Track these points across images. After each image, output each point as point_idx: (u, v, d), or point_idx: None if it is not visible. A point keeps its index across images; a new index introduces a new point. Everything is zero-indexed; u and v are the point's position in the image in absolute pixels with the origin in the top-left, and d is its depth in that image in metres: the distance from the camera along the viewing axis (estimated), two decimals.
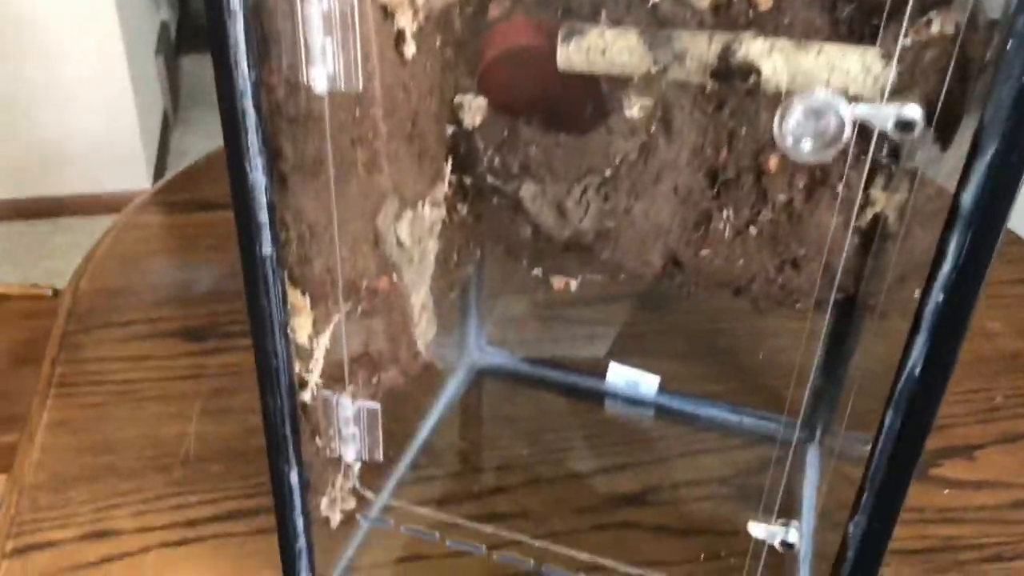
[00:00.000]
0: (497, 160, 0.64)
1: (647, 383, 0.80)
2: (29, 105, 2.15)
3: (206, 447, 0.74)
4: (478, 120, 0.62)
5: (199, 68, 2.78)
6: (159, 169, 2.39)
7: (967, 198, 0.34)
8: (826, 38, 0.64)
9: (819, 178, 0.65)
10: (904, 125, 0.33)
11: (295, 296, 0.48)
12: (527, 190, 0.64)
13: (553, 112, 0.65)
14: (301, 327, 0.49)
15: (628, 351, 0.85)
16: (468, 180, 0.63)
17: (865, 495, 0.41)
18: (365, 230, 0.49)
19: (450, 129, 0.62)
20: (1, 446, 1.08)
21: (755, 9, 0.65)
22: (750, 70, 0.48)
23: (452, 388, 0.81)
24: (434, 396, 0.79)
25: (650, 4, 0.65)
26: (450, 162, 0.60)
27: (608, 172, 0.64)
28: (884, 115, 0.34)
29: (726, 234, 0.68)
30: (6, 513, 0.67)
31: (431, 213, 0.53)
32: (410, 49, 0.48)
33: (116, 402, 0.78)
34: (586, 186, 0.64)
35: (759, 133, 0.65)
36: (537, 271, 0.74)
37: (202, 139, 2.51)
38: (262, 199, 0.44)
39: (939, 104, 0.43)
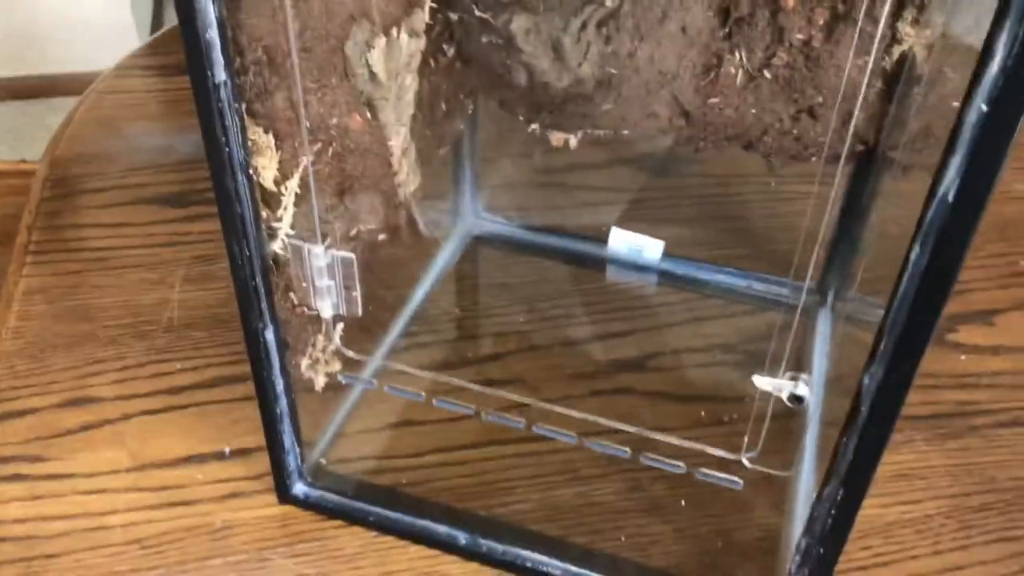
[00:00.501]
0: None
1: (651, 248, 0.75)
2: None
3: (188, 314, 0.70)
4: None
5: None
6: None
7: None
8: None
9: (841, 13, 0.58)
10: None
11: (256, 133, 0.43)
12: (519, 24, 0.58)
13: None
14: (265, 168, 0.44)
15: (631, 216, 0.81)
16: (454, 15, 0.57)
17: (883, 341, 0.37)
18: (332, 57, 0.44)
19: None
20: None
21: None
22: None
23: (445, 255, 0.76)
24: (426, 262, 0.75)
25: None
26: None
27: (609, 3, 0.58)
28: None
29: (738, 80, 0.62)
30: None
31: (409, 43, 0.47)
32: None
33: (95, 269, 0.74)
34: (585, 21, 0.58)
35: None
36: (534, 127, 0.69)
37: None
38: (210, 15, 0.39)
39: None
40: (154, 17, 2.39)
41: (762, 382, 0.43)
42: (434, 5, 0.52)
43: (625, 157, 0.86)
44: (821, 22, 0.59)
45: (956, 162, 0.32)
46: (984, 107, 0.31)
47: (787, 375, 0.44)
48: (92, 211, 0.80)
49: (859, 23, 0.58)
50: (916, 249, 0.34)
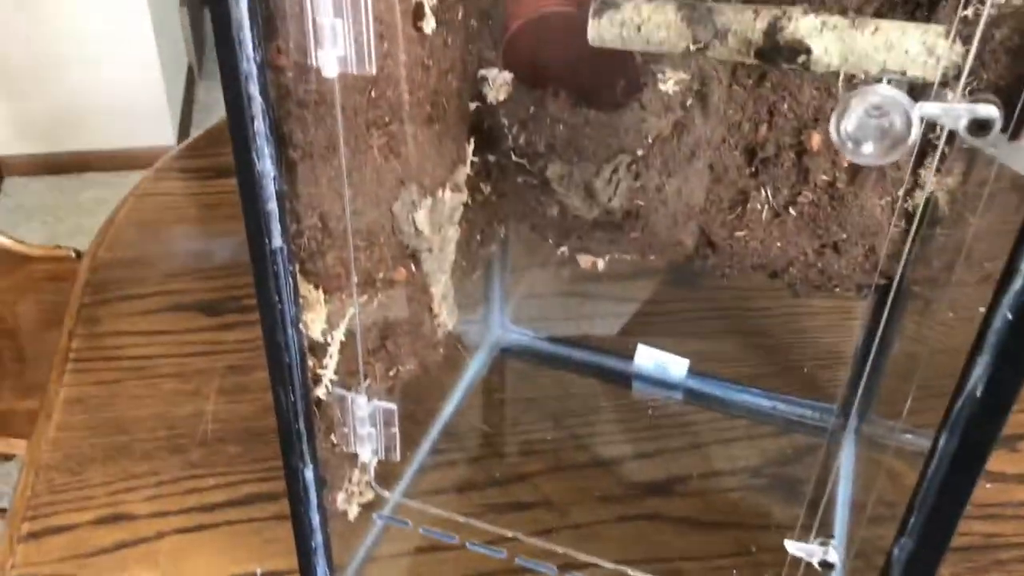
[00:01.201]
0: (523, 138, 0.60)
1: (676, 366, 0.77)
2: (54, 61, 2.12)
3: (222, 427, 0.72)
4: (503, 95, 0.58)
5: None
6: (184, 123, 2.36)
7: None
8: (880, 5, 0.59)
9: None
10: (979, 126, 0.29)
11: (308, 290, 0.45)
12: (554, 170, 0.60)
13: (582, 85, 0.61)
14: (314, 321, 0.46)
15: (657, 331, 0.82)
16: (492, 159, 0.59)
17: (914, 517, 0.38)
18: (381, 219, 0.46)
19: (473, 105, 0.58)
20: (24, 412, 1.07)
21: None
22: (799, 49, 0.44)
23: (474, 368, 0.78)
24: (455, 376, 0.76)
25: None
26: (473, 141, 0.56)
27: (640, 151, 0.60)
28: (956, 114, 0.30)
29: (763, 215, 0.64)
30: (22, 495, 0.66)
31: (452, 199, 0.50)
32: (429, 23, 0.44)
33: (132, 378, 0.76)
34: (616, 166, 0.60)
35: (802, 108, 0.61)
36: (563, 250, 0.71)
37: None
38: (271, 189, 0.41)
39: (1011, 91, 0.39)
40: (186, 95, 2.46)
41: (793, 548, 0.44)
42: (475, 159, 0.55)
43: (652, 271, 0.88)
44: (846, 164, 0.61)
45: (984, 361, 0.34)
46: (1009, 315, 0.32)
47: (817, 541, 0.44)
48: (130, 318, 0.82)
49: (884, 169, 0.60)
50: (943, 439, 0.36)
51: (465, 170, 0.51)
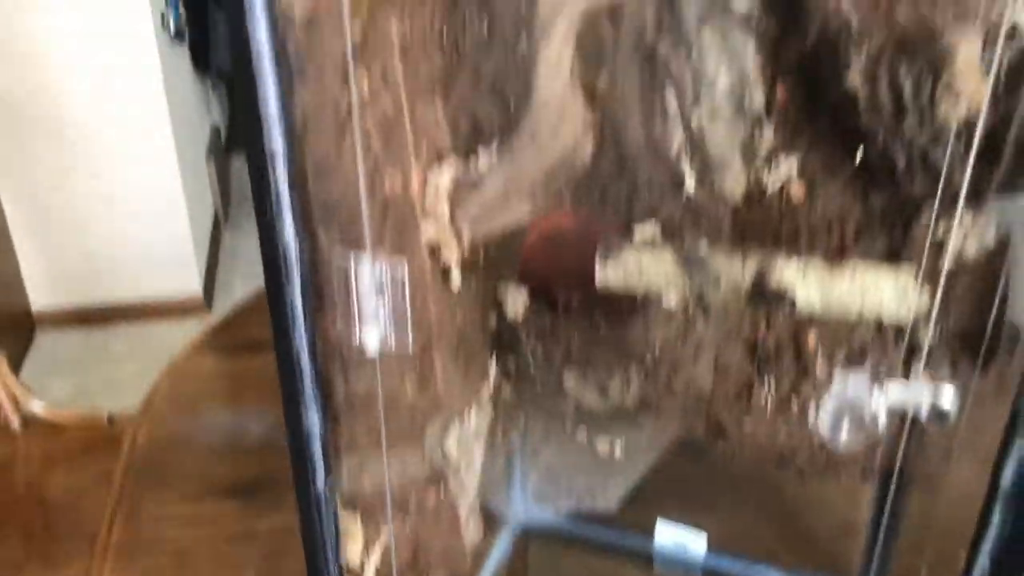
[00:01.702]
0: (540, 350, 0.65)
1: (695, 543, 0.80)
2: (83, 214, 2.23)
3: None
4: (521, 312, 0.64)
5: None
6: (210, 271, 2.46)
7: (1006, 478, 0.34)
8: (859, 226, 0.65)
9: (858, 358, 0.65)
10: (938, 415, 0.34)
11: (349, 522, 0.50)
12: (570, 377, 0.65)
13: (594, 299, 0.67)
14: (353, 548, 0.51)
15: (675, 504, 0.85)
16: (511, 366, 0.64)
17: None
18: (414, 450, 0.51)
19: (494, 321, 0.64)
20: None
21: (788, 199, 0.66)
22: (784, 296, 0.49)
23: (498, 550, 0.81)
24: (479, 557, 0.79)
25: (684, 197, 0.67)
26: (494, 356, 0.62)
27: (649, 358, 0.65)
28: (918, 398, 0.34)
29: (768, 406, 0.69)
30: None
31: (477, 418, 0.54)
32: (456, 281, 0.50)
33: (170, 565, 0.80)
34: (627, 370, 0.65)
35: (797, 312, 0.66)
36: (581, 435, 0.75)
37: (252, 239, 2.57)
38: (316, 438, 0.46)
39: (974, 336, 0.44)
40: (211, 244, 2.56)
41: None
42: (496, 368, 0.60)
43: (667, 444, 0.91)
44: (841, 363, 0.65)
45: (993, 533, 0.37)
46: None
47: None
48: (169, 504, 0.86)
49: (878, 369, 0.65)
50: None
51: (488, 387, 0.56)
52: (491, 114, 0.50)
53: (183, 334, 2.44)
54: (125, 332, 2.26)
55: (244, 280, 2.43)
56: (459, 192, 0.49)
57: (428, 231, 0.49)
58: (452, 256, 0.51)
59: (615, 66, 0.64)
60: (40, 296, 2.29)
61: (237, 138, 3.04)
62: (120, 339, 2.25)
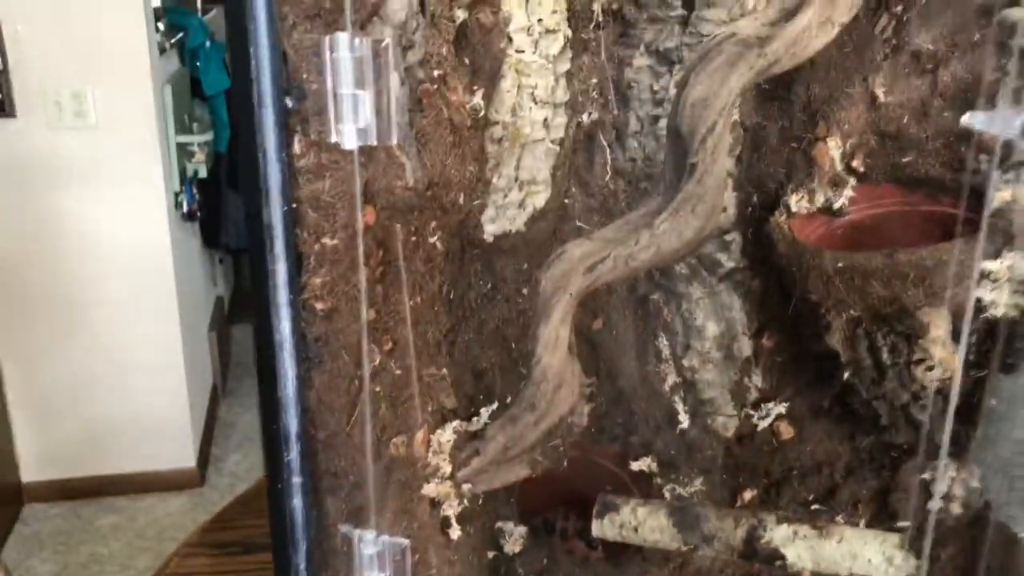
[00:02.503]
0: None
1: None
2: (81, 385, 2.24)
3: None
4: (518, 548, 0.65)
5: (249, 336, 2.90)
6: (205, 444, 2.44)
7: None
8: (847, 467, 0.67)
9: None
10: None
11: None
12: None
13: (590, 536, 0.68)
14: None
15: None
16: None
17: None
18: None
19: (491, 554, 0.65)
20: None
21: (778, 438, 0.69)
22: (775, 556, 0.51)
23: None
24: None
25: (678, 430, 0.70)
26: None
27: None
28: None
29: None
30: None
31: None
32: (456, 533, 0.52)
33: None
34: None
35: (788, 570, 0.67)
36: None
37: (249, 410, 2.57)
38: None
39: None
40: (208, 415, 2.56)
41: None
42: None
43: None
44: None
45: None
46: None
47: None
48: None
49: None
50: None
51: None
52: (494, 380, 0.54)
53: (174, 508, 2.41)
54: (113, 506, 2.23)
55: (239, 454, 2.42)
56: (461, 451, 0.52)
57: (430, 488, 0.51)
58: (452, 511, 0.53)
59: (613, 313, 0.68)
60: (30, 468, 2.28)
61: (240, 308, 3.10)
62: (108, 514, 2.21)
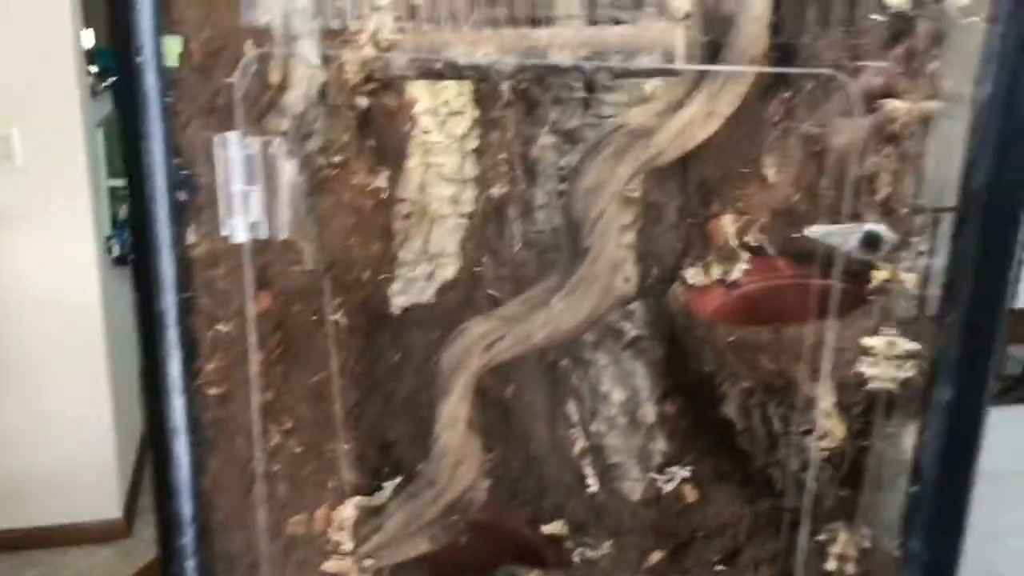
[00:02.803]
0: None
1: None
2: (5, 440, 2.18)
3: None
4: None
5: None
6: (132, 494, 2.38)
7: None
8: (749, 529, 0.69)
9: None
10: None
11: None
12: None
13: None
14: None
15: None
16: None
17: None
18: None
19: None
20: None
21: (683, 501, 0.71)
22: None
23: None
24: None
25: (587, 494, 0.71)
26: None
27: None
28: None
29: None
30: None
31: None
32: None
33: None
34: None
35: None
36: None
37: None
38: None
39: None
40: (136, 468, 2.51)
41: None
42: None
43: None
44: None
45: None
46: None
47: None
48: None
49: None
50: None
51: None
52: (401, 452, 0.55)
53: (100, 560, 2.34)
54: (36, 559, 2.16)
55: None
56: (363, 527, 0.53)
57: (331, 565, 0.52)
58: None
59: (524, 379, 0.69)
60: None
61: None
62: (35, 566, 2.14)
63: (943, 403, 0.50)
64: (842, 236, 0.42)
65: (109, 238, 2.26)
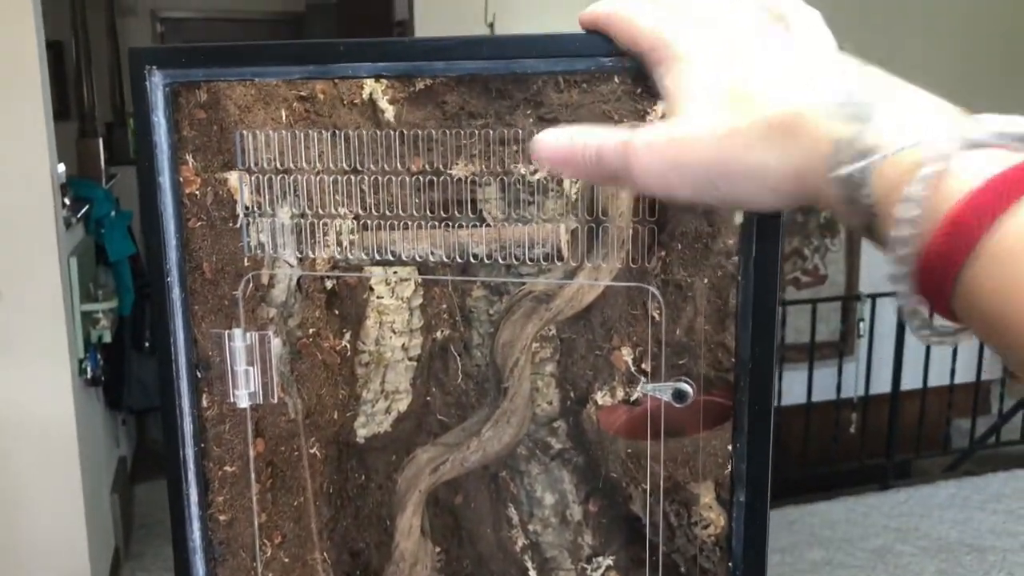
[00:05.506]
0: None
1: None
2: None
3: None
4: None
5: (153, 495, 2.97)
6: None
7: None
8: None
9: None
10: None
11: None
12: None
13: None
14: None
15: None
16: None
17: None
18: None
19: None
20: None
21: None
22: None
23: None
24: None
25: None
26: None
27: None
28: None
29: None
30: None
31: None
32: None
33: None
34: None
35: None
36: None
37: (152, 575, 2.60)
38: None
39: None
40: (113, 565, 2.58)
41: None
42: None
43: None
44: None
45: None
46: None
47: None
48: None
49: None
50: None
51: None
52: (369, 557, 0.70)
53: None
54: None
55: None
56: None
57: None
58: None
59: (471, 489, 0.85)
60: None
61: (144, 467, 3.15)
62: None
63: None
64: (662, 390, 0.59)
65: (82, 360, 2.40)
